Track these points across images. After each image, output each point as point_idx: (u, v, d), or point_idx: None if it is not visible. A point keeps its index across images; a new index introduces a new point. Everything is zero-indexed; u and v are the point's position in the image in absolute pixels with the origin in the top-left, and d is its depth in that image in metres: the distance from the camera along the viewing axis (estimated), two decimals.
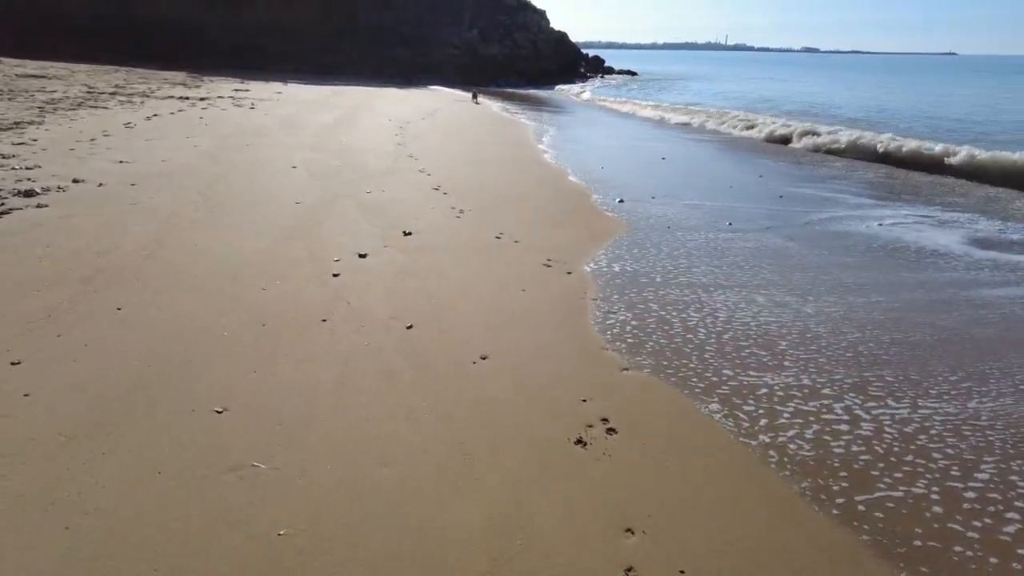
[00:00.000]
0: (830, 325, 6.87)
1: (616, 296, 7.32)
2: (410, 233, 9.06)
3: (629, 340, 6.24)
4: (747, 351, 6.16)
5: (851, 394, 5.50)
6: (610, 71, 68.97)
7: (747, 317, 6.97)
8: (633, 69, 72.44)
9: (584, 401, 5.09)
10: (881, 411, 5.28)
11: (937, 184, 16.18)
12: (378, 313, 6.40)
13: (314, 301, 6.57)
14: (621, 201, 12.25)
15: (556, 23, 66.19)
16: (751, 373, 5.75)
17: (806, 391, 5.51)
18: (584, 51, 70.68)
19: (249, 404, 4.74)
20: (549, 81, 55.06)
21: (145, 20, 49.53)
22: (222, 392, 4.87)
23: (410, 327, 6.12)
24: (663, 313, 6.92)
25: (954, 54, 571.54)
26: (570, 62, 63.71)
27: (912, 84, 68.27)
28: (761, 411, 5.17)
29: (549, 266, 8.19)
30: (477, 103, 33.46)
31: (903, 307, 7.49)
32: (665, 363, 5.83)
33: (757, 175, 16.22)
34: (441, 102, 32.16)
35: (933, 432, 5.01)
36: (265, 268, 7.38)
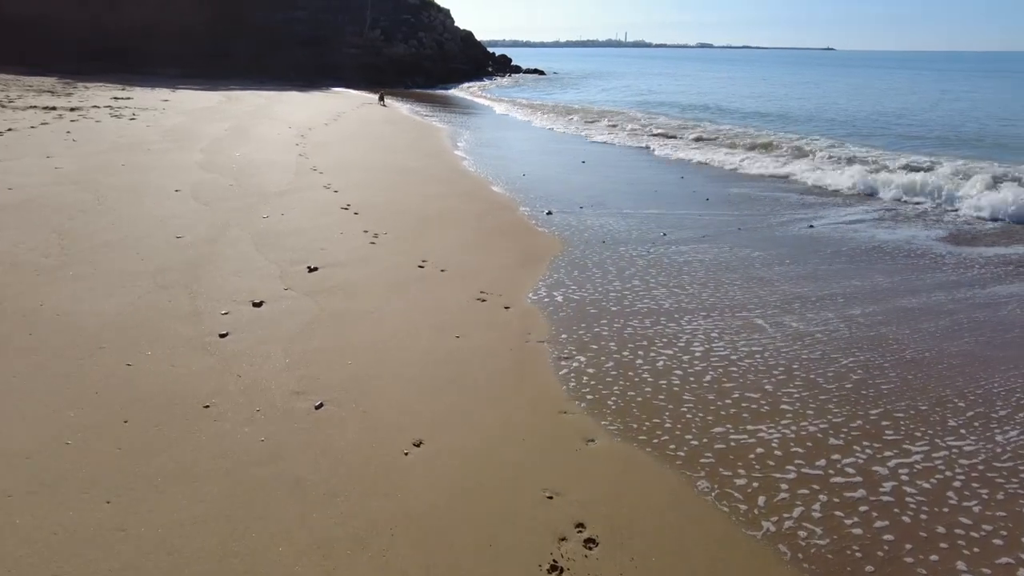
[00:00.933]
0: (819, 350, 6.12)
1: (565, 335, 6.28)
2: (316, 268, 7.67)
3: (589, 397, 5.21)
4: (730, 396, 5.26)
5: (862, 443, 4.70)
6: (518, 70, 68.31)
7: (724, 348, 6.11)
8: (540, 67, 72.22)
9: (550, 498, 3.99)
10: (898, 462, 4.50)
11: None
12: (278, 388, 5.05)
13: (194, 377, 5.14)
14: (550, 213, 11.27)
15: (460, 22, 64.83)
16: (740, 427, 4.86)
17: (808, 445, 4.67)
18: (490, 50, 69.82)
19: None
20: (457, 80, 53.72)
21: (8, 18, 44.23)
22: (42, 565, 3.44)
23: (320, 406, 4.82)
24: (625, 353, 5.94)
25: (832, 49, 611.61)
26: (477, 61, 62.66)
27: (796, 78, 71.83)
28: (757, 483, 4.26)
29: (484, 300, 7.06)
30: (384, 105, 31.77)
31: (892, 318, 6.90)
32: (636, 425, 4.84)
33: (679, 176, 15.71)
34: (346, 105, 30.24)
35: (959, 485, 4.28)
36: (132, 332, 5.82)
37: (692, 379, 5.56)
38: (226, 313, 6.30)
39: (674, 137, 22.48)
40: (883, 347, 6.27)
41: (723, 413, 5.06)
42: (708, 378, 5.59)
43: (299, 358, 5.52)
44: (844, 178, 14.73)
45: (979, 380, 5.66)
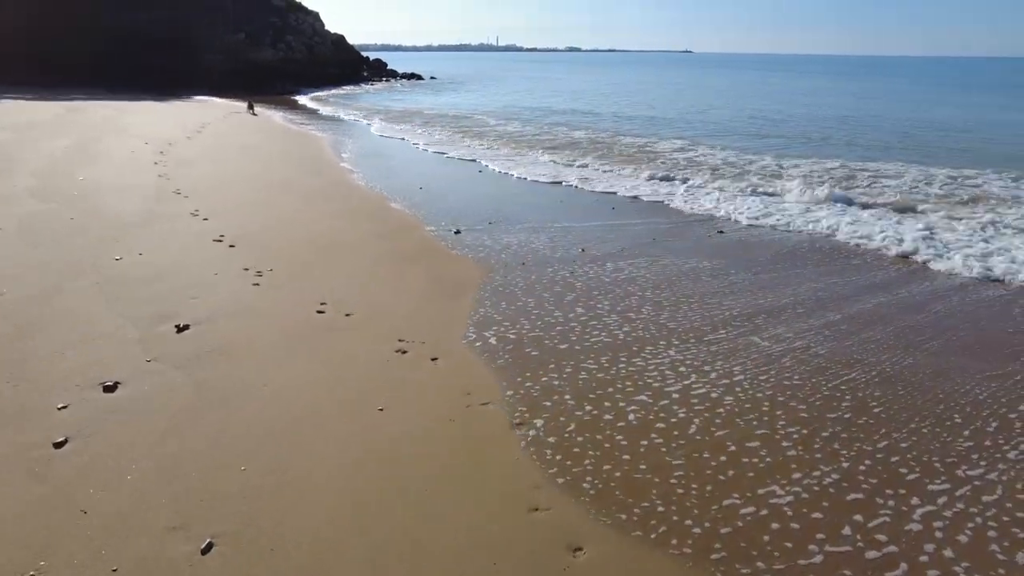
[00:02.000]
0: (798, 373, 5.44)
1: (511, 391, 5.19)
2: (187, 326, 6.07)
3: (559, 480, 4.13)
4: (725, 450, 4.40)
5: (884, 493, 3.99)
6: (394, 74, 65.95)
7: (701, 384, 5.29)
8: (416, 72, 70.27)
9: None
10: (927, 512, 3.77)
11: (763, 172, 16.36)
12: (144, 525, 3.57)
13: (13, 524, 3.54)
14: (458, 232, 10.12)
15: (330, 26, 61.61)
16: (745, 493, 4.01)
17: (825, 507, 3.95)
18: (364, 54, 67.02)
19: None
20: (331, 85, 50.94)
21: None
22: None
23: (207, 548, 3.39)
24: (588, 407, 4.93)
25: (690, 52, 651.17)
26: (351, 66, 59.84)
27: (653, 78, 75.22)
28: None
29: (405, 351, 5.81)
30: (255, 114, 29.06)
31: (853, 328, 6.39)
32: (624, 515, 3.83)
33: (574, 186, 15.09)
34: (211, 115, 27.27)
35: (995, 534, 3.63)
36: None
37: (676, 433, 4.67)
38: (64, 407, 4.63)
39: (559, 149, 22.01)
40: (858, 363, 5.74)
41: (722, 477, 4.20)
42: (693, 428, 4.73)
43: (172, 470, 4.03)
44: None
45: (958, 389, 5.23)
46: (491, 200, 12.69)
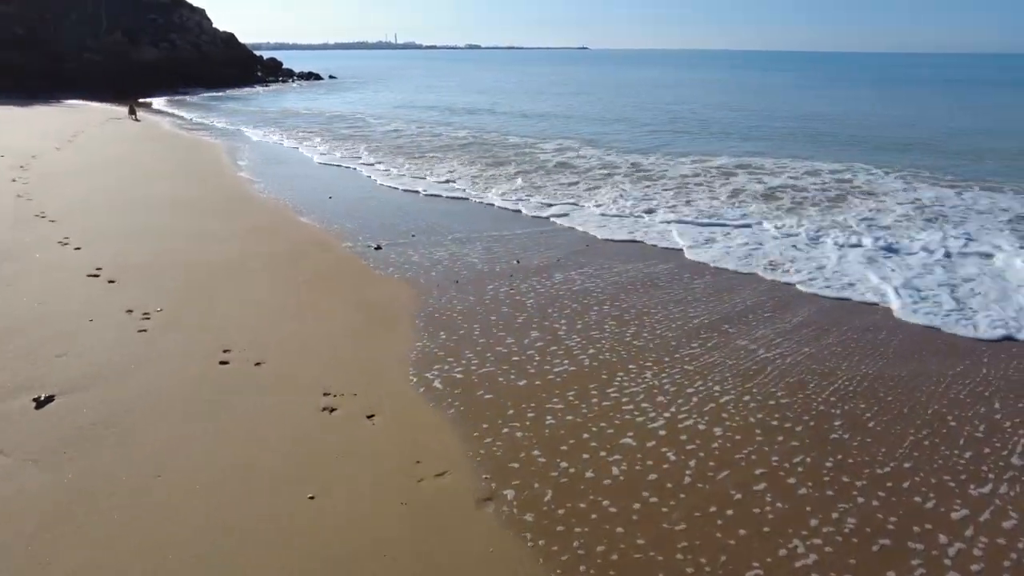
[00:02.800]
0: (789, 397, 4.77)
1: (470, 452, 4.27)
2: (51, 398, 4.73)
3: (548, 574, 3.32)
4: (734, 502, 3.69)
5: (916, 543, 3.45)
6: (290, 74, 62.26)
7: (688, 415, 4.54)
8: (314, 71, 66.84)
9: None
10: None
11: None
12: None
13: None
14: (379, 248, 9.05)
15: (218, 24, 57.43)
16: (775, 563, 3.34)
17: None
18: (257, 53, 63.01)
19: None
20: (223, 86, 47.38)
21: None
22: None
23: None
24: (564, 465, 4.05)
25: (586, 48, 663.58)
26: (244, 65, 55.88)
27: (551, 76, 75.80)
28: None
29: (334, 408, 4.76)
30: (137, 119, 26.24)
31: (804, 343, 5.77)
32: None
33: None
34: (85, 122, 24.28)
35: None
36: None
37: (670, 486, 3.94)
38: None
39: (464, 152, 21.10)
40: (825, 383, 5.24)
41: (734, 541, 3.51)
42: (689, 475, 4.04)
43: None
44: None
45: (922, 405, 4.84)
46: (403, 209, 11.64)
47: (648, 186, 13.43)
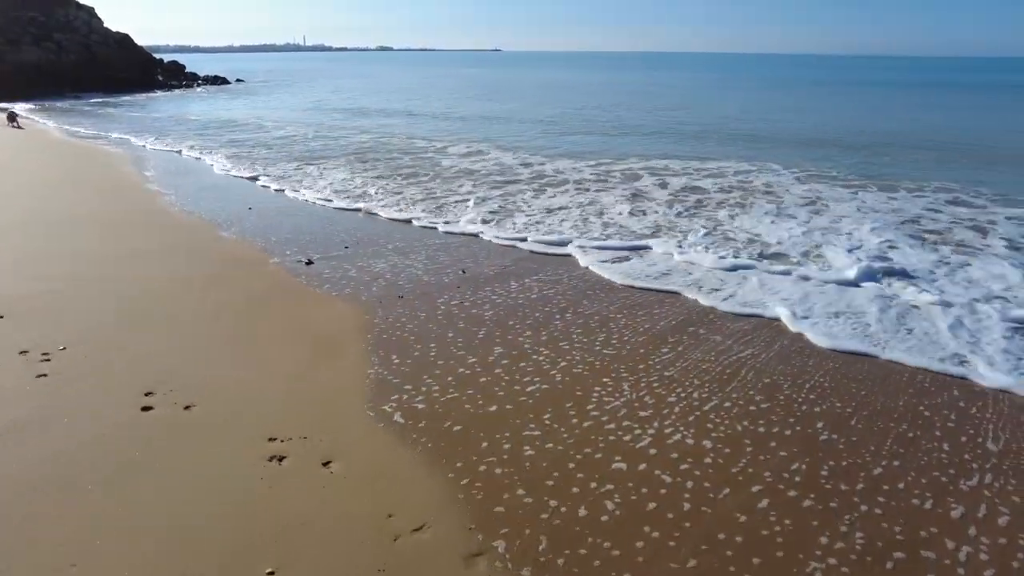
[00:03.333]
0: (781, 403, 4.57)
1: (446, 498, 3.78)
2: None
3: None
4: (750, 545, 3.32)
5: None
6: (194, 78, 58.19)
7: (675, 432, 4.14)
8: (220, 75, 63.00)
9: None
10: None
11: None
12: None
13: None
14: (310, 262, 8.31)
15: (111, 24, 53.12)
16: None
17: None
18: (157, 56, 58.75)
19: None
20: (119, 91, 43.86)
21: None
22: None
23: None
24: (555, 505, 3.60)
25: (499, 50, 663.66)
26: (142, 69, 51.72)
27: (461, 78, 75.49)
28: None
29: (282, 457, 4.13)
30: (18, 126, 23.69)
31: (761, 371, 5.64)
32: None
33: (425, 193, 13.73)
34: None
35: None
36: None
37: (671, 516, 3.60)
38: None
39: (374, 158, 20.35)
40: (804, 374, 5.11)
41: (749, 575, 3.22)
42: (689, 500, 3.75)
43: None
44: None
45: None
46: (336, 218, 10.90)
47: (553, 196, 12.40)
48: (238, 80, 62.10)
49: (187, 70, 59.25)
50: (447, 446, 4.27)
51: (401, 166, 15.89)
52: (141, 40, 55.78)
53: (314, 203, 12.06)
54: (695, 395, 4.97)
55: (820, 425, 4.61)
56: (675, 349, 5.77)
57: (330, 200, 12.19)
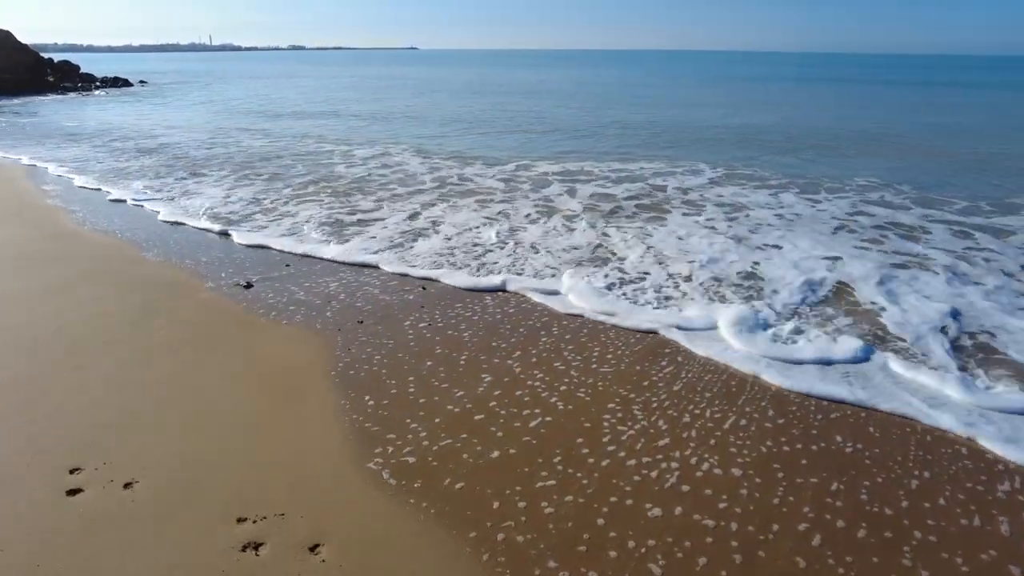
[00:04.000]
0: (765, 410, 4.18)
1: None
2: None
3: None
4: None
5: None
6: (91, 79, 53.41)
7: (702, 462, 3.82)
8: (121, 76, 58.23)
9: None
10: None
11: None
12: None
13: None
14: (249, 285, 7.39)
15: None
16: None
17: None
18: (45, 55, 53.53)
19: None
20: (3, 95, 39.69)
21: None
22: None
23: None
24: None
25: (416, 48, 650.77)
26: (31, 70, 46.92)
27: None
28: None
29: (259, 546, 3.36)
30: None
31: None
32: None
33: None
34: None
35: None
36: None
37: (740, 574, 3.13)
38: None
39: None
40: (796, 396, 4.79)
41: None
42: (741, 555, 3.25)
43: None
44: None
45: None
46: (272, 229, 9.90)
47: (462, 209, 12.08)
48: (141, 82, 57.79)
49: (81, 71, 54.42)
50: (453, 511, 3.62)
51: (336, 176, 14.70)
52: (24, 39, 50.67)
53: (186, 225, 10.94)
54: (708, 414, 4.55)
55: (840, 439, 4.29)
56: (674, 360, 5.35)
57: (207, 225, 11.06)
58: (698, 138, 19.52)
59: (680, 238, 9.09)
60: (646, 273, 7.66)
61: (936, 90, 44.64)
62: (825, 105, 31.34)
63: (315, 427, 4.46)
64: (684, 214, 10.44)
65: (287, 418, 4.58)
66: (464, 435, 4.33)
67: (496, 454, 4.13)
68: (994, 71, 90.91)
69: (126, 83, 54.87)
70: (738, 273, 7.62)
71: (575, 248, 8.70)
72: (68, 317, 6.39)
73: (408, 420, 4.53)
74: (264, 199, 11.96)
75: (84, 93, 46.24)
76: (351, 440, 4.30)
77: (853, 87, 47.31)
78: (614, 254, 8.42)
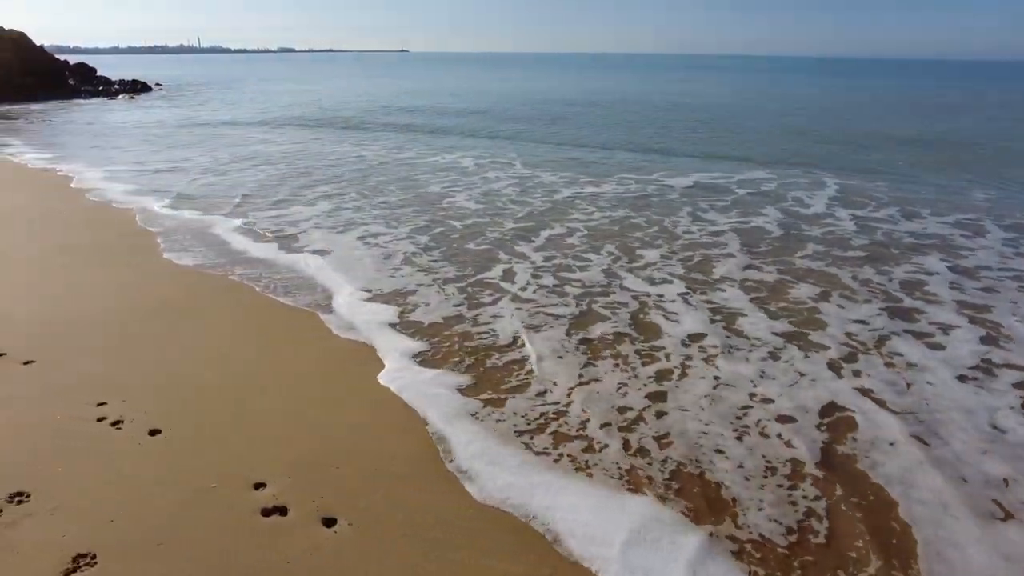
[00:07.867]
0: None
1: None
2: None
3: None
4: None
5: None
6: (108, 82, 51.06)
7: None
8: (138, 78, 56.45)
9: None
10: None
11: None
12: None
13: None
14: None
15: None
16: None
17: None
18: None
19: None
20: (21, 99, 37.74)
21: None
22: None
23: None
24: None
25: (406, 51, 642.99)
26: (52, 74, 44.19)
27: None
28: None
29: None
30: None
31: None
32: None
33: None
34: None
35: None
36: None
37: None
38: None
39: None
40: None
41: None
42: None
43: None
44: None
45: None
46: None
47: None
48: (157, 85, 56.34)
49: (98, 74, 52.31)
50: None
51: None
52: None
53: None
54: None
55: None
56: None
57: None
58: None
59: None
60: None
61: None
62: None
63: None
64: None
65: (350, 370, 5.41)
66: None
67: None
68: None
69: (144, 86, 52.16)
70: None
71: None
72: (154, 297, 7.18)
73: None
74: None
75: (108, 98, 43.35)
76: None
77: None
78: None
